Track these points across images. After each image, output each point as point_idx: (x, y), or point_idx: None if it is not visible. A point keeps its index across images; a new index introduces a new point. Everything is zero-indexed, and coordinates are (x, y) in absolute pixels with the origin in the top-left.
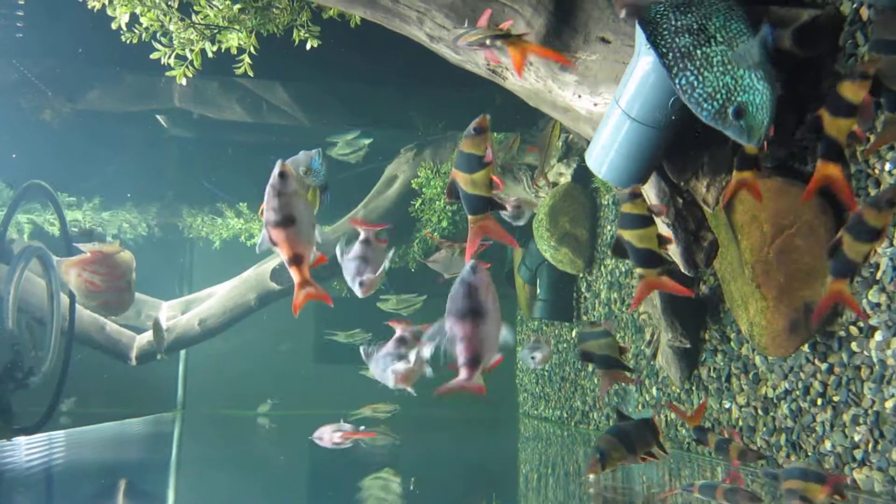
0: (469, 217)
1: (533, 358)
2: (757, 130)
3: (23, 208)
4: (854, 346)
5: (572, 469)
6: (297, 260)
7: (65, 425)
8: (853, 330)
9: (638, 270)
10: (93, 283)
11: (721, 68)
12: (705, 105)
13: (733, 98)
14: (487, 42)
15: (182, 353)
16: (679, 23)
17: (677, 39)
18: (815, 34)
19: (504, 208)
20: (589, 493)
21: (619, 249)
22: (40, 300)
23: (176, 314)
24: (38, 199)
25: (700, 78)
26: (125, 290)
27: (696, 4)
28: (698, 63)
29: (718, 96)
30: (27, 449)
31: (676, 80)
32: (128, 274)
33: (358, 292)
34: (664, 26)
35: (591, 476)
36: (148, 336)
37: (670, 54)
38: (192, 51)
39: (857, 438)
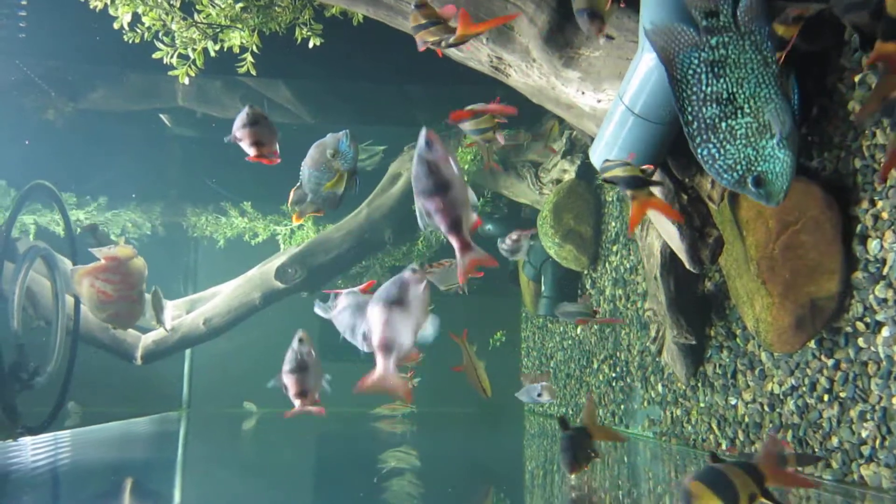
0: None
1: (539, 395)
2: (776, 196)
3: (27, 209)
4: (861, 341)
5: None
6: (456, 226)
7: (72, 426)
8: (860, 326)
9: (629, 193)
10: (105, 292)
11: (744, 140)
12: (725, 175)
13: (753, 168)
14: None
15: (187, 352)
16: (710, 89)
17: (705, 109)
18: (820, 28)
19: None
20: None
21: (609, 181)
22: (46, 300)
23: (181, 313)
24: (42, 200)
25: (722, 151)
26: (136, 301)
27: (731, 64)
28: (722, 136)
29: (739, 167)
30: (33, 449)
31: (698, 151)
32: (140, 283)
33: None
34: (694, 90)
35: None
36: (153, 336)
37: (695, 123)
38: (194, 50)
39: (864, 435)
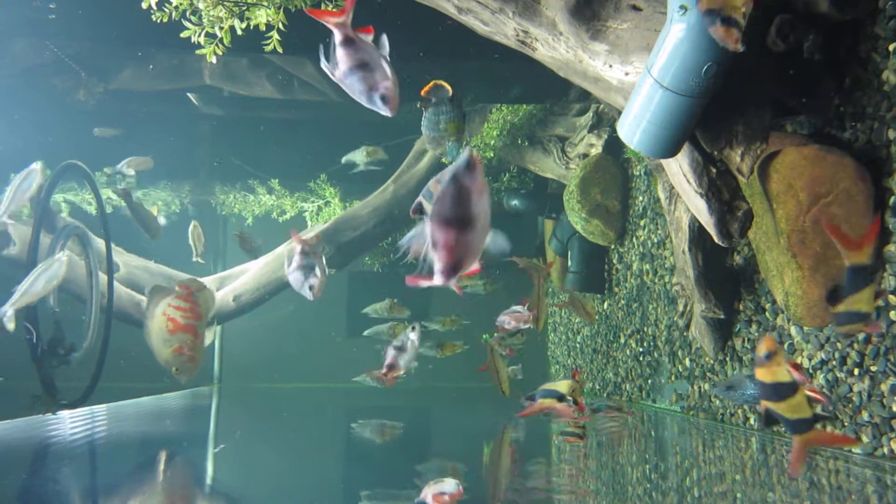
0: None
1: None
2: None
3: (60, 188)
4: (893, 315)
5: (604, 440)
6: (452, 272)
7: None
8: (892, 299)
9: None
10: (174, 319)
11: None
12: None
13: None
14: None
15: (217, 328)
16: None
17: None
18: None
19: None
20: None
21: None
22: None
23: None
24: (75, 179)
25: None
26: (199, 337)
27: None
28: None
29: None
30: (71, 423)
31: None
32: (206, 315)
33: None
34: None
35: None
36: None
37: None
38: (221, 28)
39: (895, 409)
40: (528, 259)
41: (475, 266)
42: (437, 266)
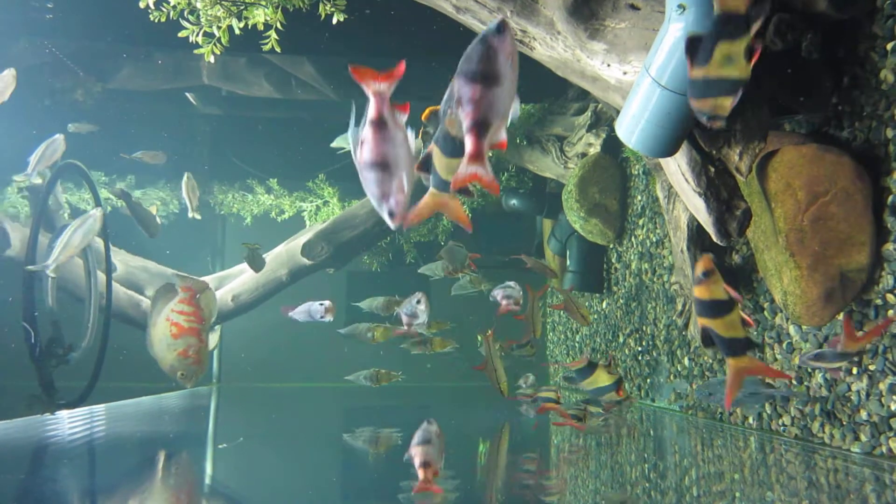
0: (432, 188)
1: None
2: None
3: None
4: (891, 314)
5: (603, 440)
6: (481, 127)
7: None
8: (890, 298)
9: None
10: (177, 324)
11: None
12: None
13: None
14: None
15: (216, 328)
16: None
17: None
18: None
19: (470, 194)
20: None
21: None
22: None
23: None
24: (73, 179)
25: None
26: (203, 342)
27: None
28: None
29: None
30: (70, 423)
31: None
32: (209, 319)
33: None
34: None
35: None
36: None
37: None
38: (219, 28)
39: (893, 407)
40: (536, 259)
41: (503, 136)
42: (466, 124)
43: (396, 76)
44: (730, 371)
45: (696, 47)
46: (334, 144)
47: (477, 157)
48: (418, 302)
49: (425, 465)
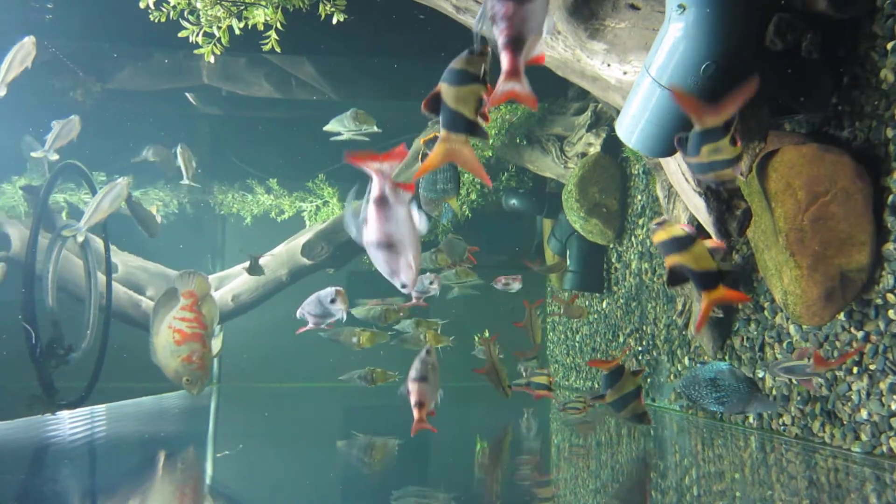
0: (442, 132)
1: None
2: None
3: (58, 188)
4: (891, 313)
5: (603, 439)
6: (516, 43)
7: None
8: (890, 297)
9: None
10: (180, 330)
11: None
12: None
13: None
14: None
15: (219, 333)
16: None
17: None
18: None
19: (486, 137)
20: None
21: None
22: (78, 277)
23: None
24: (73, 179)
25: None
26: (207, 347)
27: None
28: None
29: None
30: (70, 423)
31: None
32: (212, 324)
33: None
34: None
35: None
36: None
37: None
38: (219, 28)
39: (893, 407)
40: (543, 262)
41: (540, 51)
42: (501, 41)
43: (395, 157)
44: (703, 302)
45: (683, 144)
46: (328, 128)
47: (514, 73)
48: (431, 283)
49: (419, 404)
